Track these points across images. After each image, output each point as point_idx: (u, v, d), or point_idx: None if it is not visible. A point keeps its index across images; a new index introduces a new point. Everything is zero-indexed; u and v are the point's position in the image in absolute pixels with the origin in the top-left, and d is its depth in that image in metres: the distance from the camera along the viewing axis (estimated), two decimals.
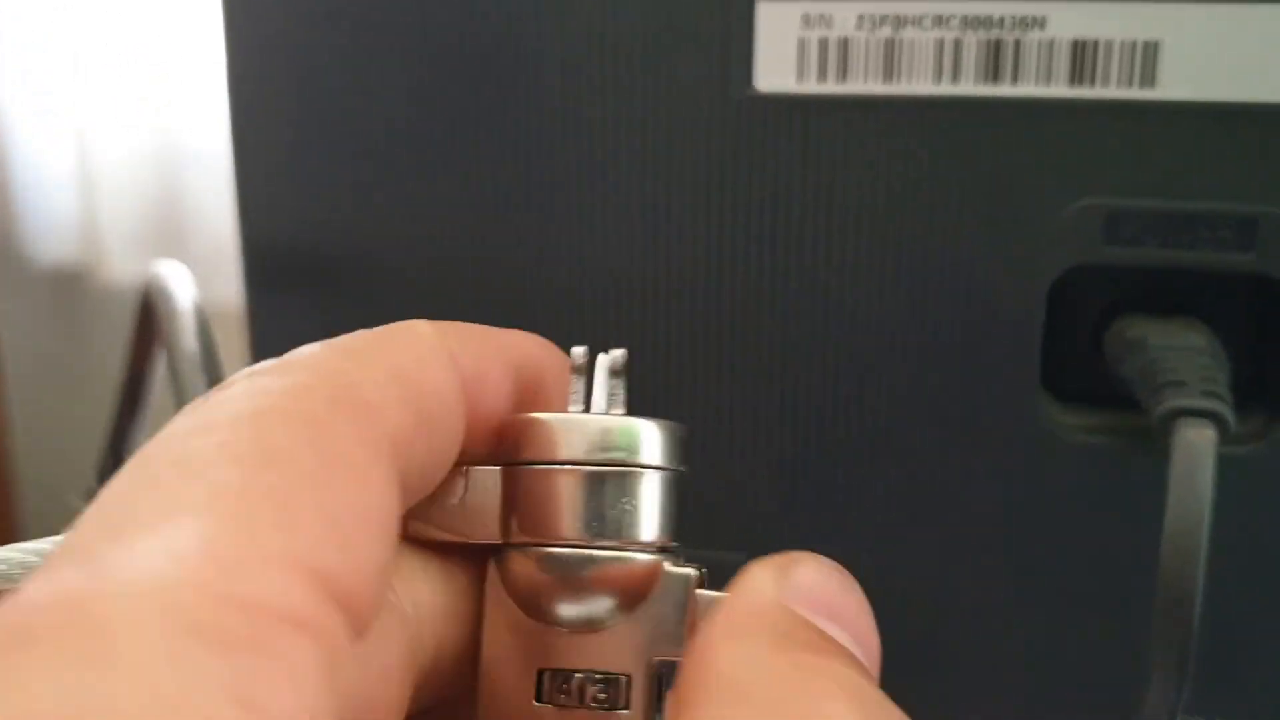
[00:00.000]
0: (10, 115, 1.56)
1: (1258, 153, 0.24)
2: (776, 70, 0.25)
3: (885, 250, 0.25)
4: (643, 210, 0.27)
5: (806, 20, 0.25)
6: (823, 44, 0.25)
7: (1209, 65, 0.23)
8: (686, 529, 0.19)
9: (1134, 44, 0.24)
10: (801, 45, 0.25)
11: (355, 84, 0.28)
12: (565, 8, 0.26)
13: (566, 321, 0.28)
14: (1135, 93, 0.24)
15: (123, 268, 1.51)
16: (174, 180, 1.49)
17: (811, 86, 0.25)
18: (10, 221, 1.60)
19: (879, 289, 0.26)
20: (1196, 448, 0.21)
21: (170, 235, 1.50)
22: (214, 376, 0.31)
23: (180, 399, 0.30)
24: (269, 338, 0.30)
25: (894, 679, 0.27)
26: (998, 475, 0.26)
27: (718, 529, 0.28)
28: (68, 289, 1.68)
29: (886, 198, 0.25)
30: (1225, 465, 0.24)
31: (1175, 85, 0.24)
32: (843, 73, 0.25)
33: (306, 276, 0.29)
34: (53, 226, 1.57)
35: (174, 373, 0.30)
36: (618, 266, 0.27)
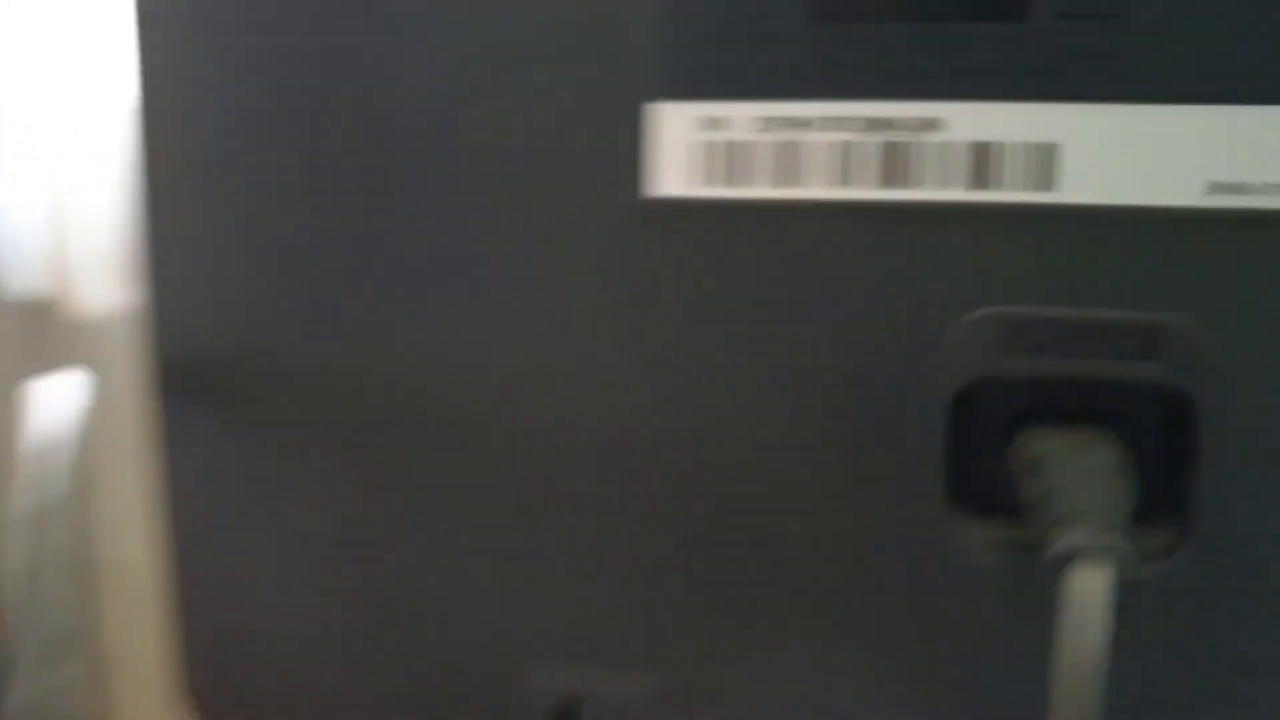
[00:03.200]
0: None
1: (1161, 258, 0.23)
2: (675, 174, 0.25)
3: (784, 357, 0.25)
4: (540, 319, 0.26)
5: (703, 123, 0.24)
6: (721, 147, 0.24)
7: (1109, 168, 0.23)
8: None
9: (1032, 146, 0.23)
10: (699, 149, 0.24)
11: (261, 192, 0.27)
12: (462, 115, 0.25)
13: (463, 425, 0.27)
14: (1035, 196, 0.23)
15: (92, 299, 1.49)
16: None
17: (709, 190, 0.25)
18: None
19: (777, 395, 0.25)
20: (1089, 595, 0.21)
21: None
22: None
23: None
24: (180, 449, 0.30)
25: None
26: (905, 591, 0.25)
27: (626, 652, 0.27)
28: (35, 320, 1.66)
29: (785, 303, 0.25)
30: (1131, 584, 0.23)
31: (1075, 189, 0.23)
32: (742, 176, 0.24)
33: (218, 385, 0.29)
34: (22, 256, 1.56)
35: None
36: (513, 373, 0.26)
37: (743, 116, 0.24)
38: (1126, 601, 0.23)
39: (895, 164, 0.24)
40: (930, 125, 0.23)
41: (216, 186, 0.28)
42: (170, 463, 0.30)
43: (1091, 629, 0.20)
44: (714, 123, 0.24)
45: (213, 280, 0.28)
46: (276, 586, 0.29)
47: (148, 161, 0.28)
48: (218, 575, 0.29)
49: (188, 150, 0.28)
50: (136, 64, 0.29)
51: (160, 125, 0.28)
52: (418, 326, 0.27)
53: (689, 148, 0.24)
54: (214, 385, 0.29)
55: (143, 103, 0.28)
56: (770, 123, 0.24)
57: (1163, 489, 0.25)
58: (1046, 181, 0.23)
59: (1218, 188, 0.23)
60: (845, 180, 0.24)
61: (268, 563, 0.29)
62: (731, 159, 0.24)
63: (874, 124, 0.24)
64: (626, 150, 0.25)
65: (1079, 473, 0.23)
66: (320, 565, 0.29)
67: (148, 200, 0.29)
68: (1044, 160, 0.23)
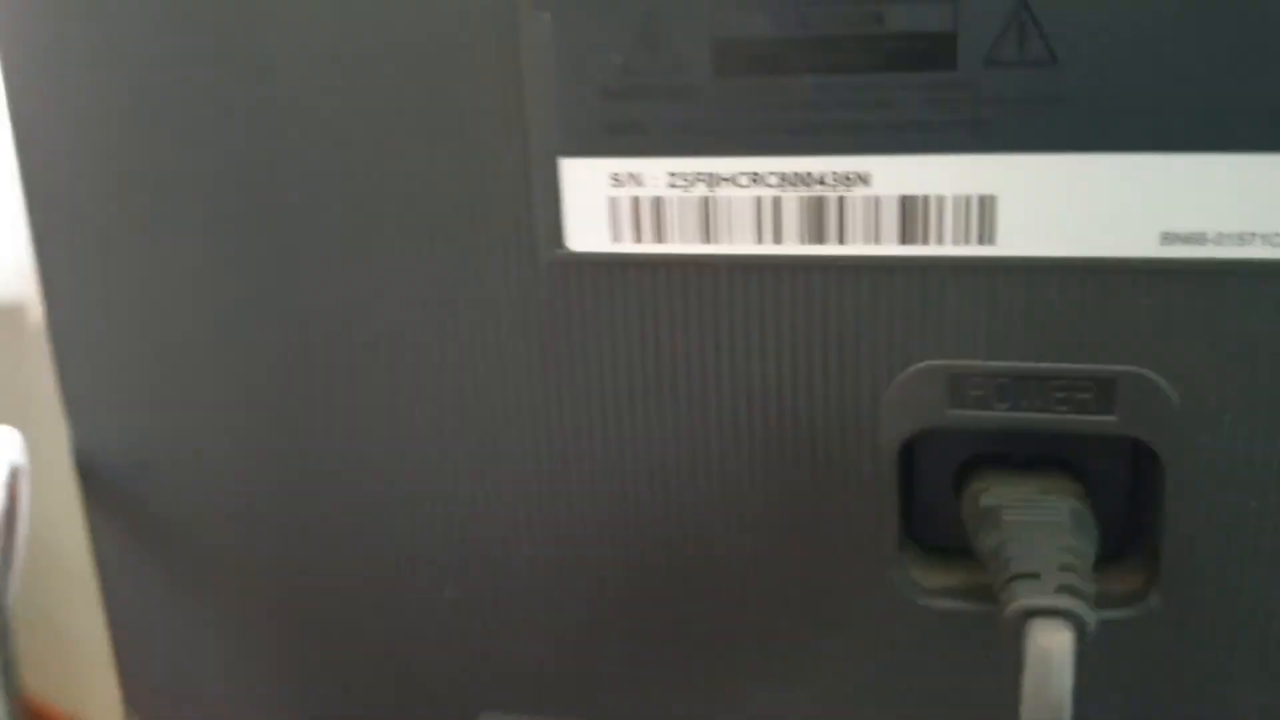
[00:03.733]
0: None
1: (1110, 309, 0.21)
2: (588, 230, 0.23)
3: (718, 412, 0.24)
4: (456, 376, 0.25)
5: (615, 179, 0.23)
6: (635, 203, 0.23)
7: (1051, 219, 0.21)
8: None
9: (967, 199, 0.21)
10: (612, 204, 0.23)
11: (152, 259, 0.26)
12: (365, 172, 0.24)
13: (379, 491, 0.26)
14: (973, 250, 0.21)
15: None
16: None
17: (627, 246, 0.23)
18: None
19: (716, 452, 0.24)
20: (1050, 656, 0.20)
21: None
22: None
23: None
24: (106, 545, 0.29)
25: None
26: (858, 641, 0.24)
27: (573, 700, 0.26)
28: (5, 326, 1.65)
29: (715, 360, 0.23)
30: (1100, 629, 0.22)
31: (1015, 242, 0.21)
32: (658, 232, 0.23)
33: (139, 483, 0.28)
34: None
35: None
36: (431, 438, 0.25)
37: (656, 172, 0.22)
38: (1096, 644, 0.22)
39: (820, 219, 0.22)
40: (855, 179, 0.22)
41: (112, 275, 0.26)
42: (97, 551, 0.29)
43: (1053, 689, 0.19)
44: (626, 178, 0.23)
45: (116, 371, 0.27)
46: (215, 662, 0.29)
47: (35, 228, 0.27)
48: (152, 650, 0.29)
49: (72, 221, 0.26)
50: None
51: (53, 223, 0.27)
52: (334, 390, 0.26)
53: (602, 204, 0.23)
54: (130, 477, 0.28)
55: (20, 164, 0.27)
56: (685, 178, 0.22)
57: (1127, 528, 0.24)
58: (984, 234, 0.21)
59: (1172, 238, 0.21)
60: (768, 236, 0.22)
61: (201, 642, 0.29)
62: (646, 215, 0.23)
63: (795, 179, 0.22)
64: (540, 206, 0.23)
65: (1032, 529, 0.22)
66: (261, 622, 0.28)
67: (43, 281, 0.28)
68: (980, 213, 0.21)
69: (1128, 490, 0.24)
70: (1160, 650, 0.23)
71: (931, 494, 0.24)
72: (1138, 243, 0.21)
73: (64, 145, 0.26)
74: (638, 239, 0.23)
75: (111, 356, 0.28)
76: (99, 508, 0.29)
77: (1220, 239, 0.20)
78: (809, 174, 0.22)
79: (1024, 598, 0.21)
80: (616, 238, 0.23)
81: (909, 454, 0.24)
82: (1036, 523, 0.22)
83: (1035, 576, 0.21)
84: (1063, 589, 0.21)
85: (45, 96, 0.26)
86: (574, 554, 0.25)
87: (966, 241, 0.21)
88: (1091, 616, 0.20)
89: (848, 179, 0.22)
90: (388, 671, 0.28)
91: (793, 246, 0.22)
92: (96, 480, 0.29)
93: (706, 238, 0.23)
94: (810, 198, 0.22)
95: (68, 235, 0.27)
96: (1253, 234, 0.20)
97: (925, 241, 0.22)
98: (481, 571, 0.26)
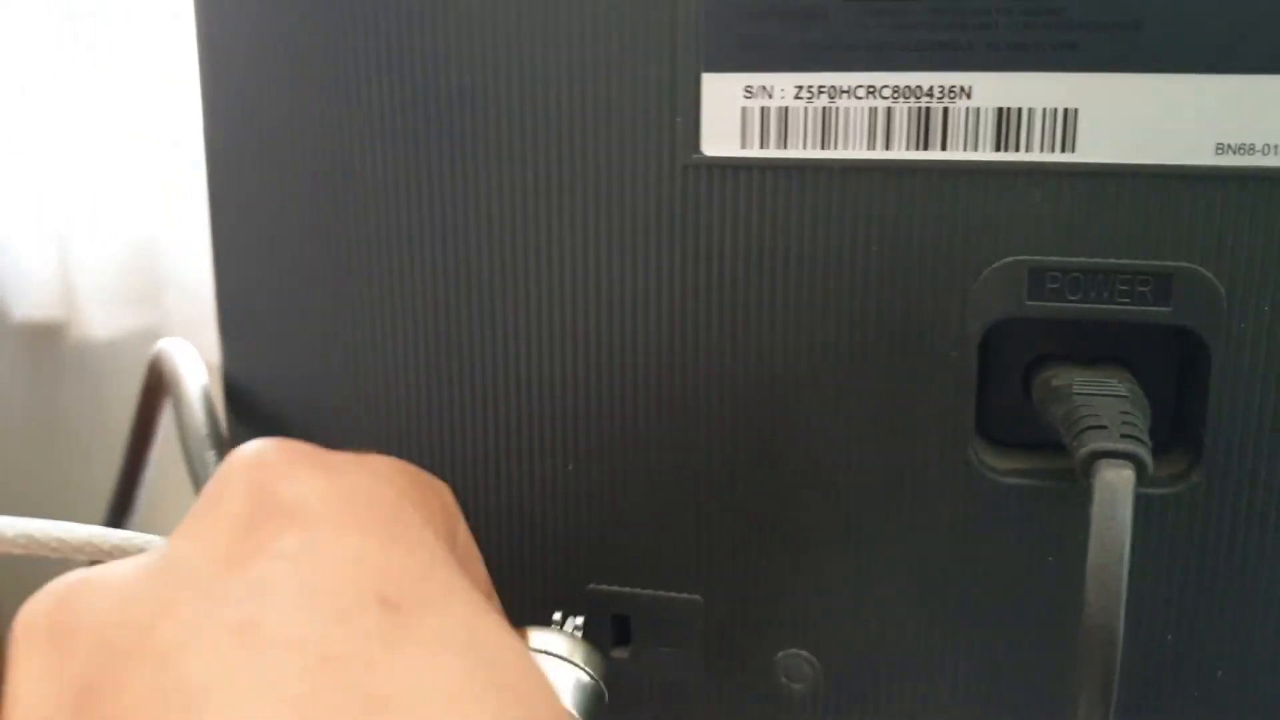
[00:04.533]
0: None
1: (1172, 211, 0.25)
2: (721, 137, 0.27)
3: (825, 303, 0.27)
4: (597, 268, 0.28)
5: (749, 91, 0.26)
6: (764, 113, 0.26)
7: (1124, 131, 0.25)
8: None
9: (1054, 112, 0.25)
10: (744, 114, 0.27)
11: (317, 177, 0.29)
12: (529, 80, 0.28)
13: (526, 374, 0.29)
14: (1056, 157, 0.25)
15: (100, 322, 1.51)
16: (150, 236, 1.49)
17: (754, 151, 0.27)
18: None
19: (818, 340, 0.27)
20: (1116, 488, 0.23)
21: (146, 291, 1.51)
22: (221, 453, 0.32)
23: (195, 478, 0.31)
24: None
25: (835, 707, 0.28)
26: (935, 518, 0.27)
27: (670, 572, 0.29)
28: (44, 343, 1.68)
29: (824, 255, 0.27)
30: (1148, 506, 0.25)
31: (1093, 150, 0.25)
32: (783, 139, 0.26)
33: (287, 400, 0.31)
34: (29, 281, 1.57)
35: (186, 450, 0.32)
36: (574, 322, 0.28)
37: (784, 85, 0.26)
38: (1146, 520, 0.26)
39: (926, 128, 0.26)
40: (959, 93, 0.26)
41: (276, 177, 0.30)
42: None
43: (1119, 522, 0.22)
44: (758, 91, 0.26)
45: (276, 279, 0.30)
46: None
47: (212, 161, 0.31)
48: None
49: (247, 161, 0.30)
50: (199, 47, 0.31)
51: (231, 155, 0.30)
52: (494, 282, 0.29)
53: (735, 114, 0.27)
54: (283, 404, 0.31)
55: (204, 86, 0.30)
56: (809, 91, 0.26)
57: (1175, 421, 0.27)
58: (1066, 143, 0.25)
59: (1224, 148, 0.25)
60: (879, 143, 0.26)
61: None
62: (774, 124, 0.26)
63: (906, 92, 0.26)
64: (680, 115, 0.27)
65: (1098, 398, 0.25)
66: None
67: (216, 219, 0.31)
68: (1064, 124, 0.25)
69: (1176, 388, 0.27)
70: (1202, 528, 0.26)
71: (1002, 393, 0.28)
72: (1195, 152, 0.25)
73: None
74: (765, 146, 0.27)
75: (268, 278, 0.31)
76: (245, 434, 0.31)
77: (1267, 149, 0.24)
78: (918, 87, 0.26)
79: (1093, 443, 0.24)
80: (746, 144, 0.27)
81: (986, 354, 0.27)
82: (1102, 394, 0.25)
83: (1103, 428, 0.24)
84: (1125, 437, 0.24)
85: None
86: (684, 437, 0.28)
87: (1051, 149, 0.25)
88: (1149, 461, 0.24)
89: (952, 92, 0.26)
90: (508, 545, 0.30)
91: (900, 152, 0.26)
92: (243, 403, 0.31)
93: (825, 144, 0.26)
94: (918, 108, 0.26)
95: (237, 154, 0.31)
96: None
97: (1016, 149, 0.26)
98: (601, 453, 0.29)
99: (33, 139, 1.51)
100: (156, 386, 0.37)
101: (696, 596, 0.29)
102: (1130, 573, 0.23)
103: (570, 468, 0.29)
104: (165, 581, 0.18)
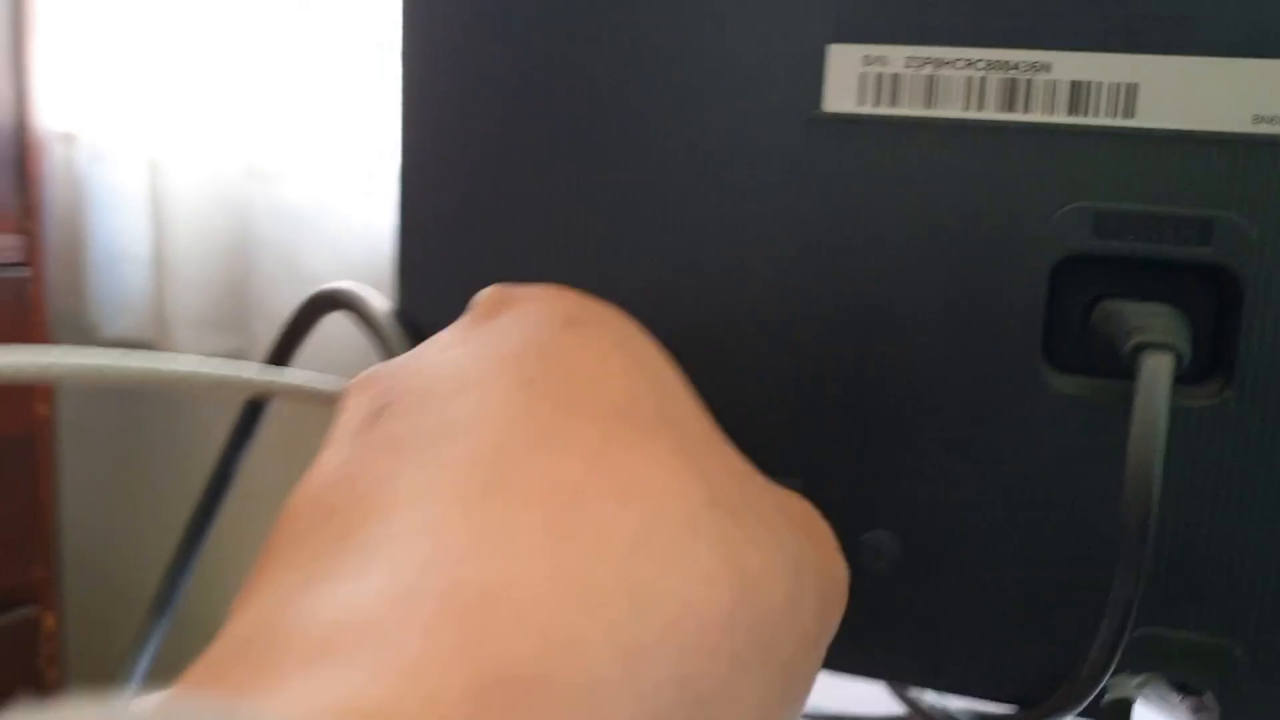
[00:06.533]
0: (93, 195, 1.66)
1: (1215, 168, 0.31)
2: (842, 96, 0.33)
3: (921, 241, 0.33)
4: (735, 205, 0.34)
5: (866, 59, 0.32)
6: (879, 77, 0.32)
7: (1177, 101, 0.31)
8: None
9: (1119, 85, 0.31)
10: (861, 78, 0.32)
11: (496, 138, 0.36)
12: (675, 52, 0.34)
13: (659, 313, 0.35)
14: (1119, 122, 0.31)
15: (187, 344, 1.59)
16: (240, 266, 1.57)
17: (868, 109, 0.33)
18: (82, 296, 1.70)
19: (914, 273, 0.33)
20: (1156, 369, 0.28)
21: (233, 318, 1.58)
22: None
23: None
24: None
25: (905, 598, 0.33)
26: (1007, 425, 0.33)
27: (775, 460, 0.34)
28: None
29: (924, 198, 0.32)
30: (1185, 416, 0.30)
31: (1151, 117, 0.31)
32: (893, 99, 0.32)
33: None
34: (123, 302, 1.66)
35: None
36: (702, 260, 0.34)
37: (897, 56, 0.32)
38: (1184, 432, 0.31)
39: (1012, 94, 0.32)
40: (1040, 67, 0.31)
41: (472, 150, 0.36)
42: None
43: (1158, 396, 0.27)
44: (874, 59, 0.32)
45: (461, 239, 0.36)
46: None
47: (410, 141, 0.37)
48: None
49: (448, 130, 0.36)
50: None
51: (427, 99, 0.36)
52: (641, 232, 0.35)
53: (854, 78, 0.32)
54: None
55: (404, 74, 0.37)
56: (917, 60, 0.32)
57: (1212, 355, 0.32)
58: (1128, 110, 0.31)
59: (1260, 119, 0.30)
60: (973, 105, 0.32)
61: None
62: (886, 87, 0.32)
63: (996, 65, 0.32)
64: (810, 79, 0.33)
65: (1146, 312, 0.30)
66: None
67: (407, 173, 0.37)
68: (1127, 95, 0.31)
69: (1215, 324, 0.32)
70: (1233, 440, 0.31)
71: (1069, 326, 0.33)
72: (1235, 121, 0.30)
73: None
74: (877, 105, 0.33)
75: (453, 225, 0.37)
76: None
77: None
78: (1006, 61, 0.32)
79: (1139, 337, 0.29)
80: (861, 103, 0.33)
81: (1055, 289, 0.32)
82: (1149, 310, 0.31)
83: (1147, 331, 0.30)
84: (1168, 335, 0.29)
85: None
86: (797, 349, 0.34)
87: (1115, 115, 0.31)
88: (1187, 352, 0.29)
89: (1034, 66, 0.31)
90: None
91: (990, 114, 0.32)
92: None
93: (928, 105, 0.32)
94: (1006, 79, 0.32)
95: (434, 105, 0.37)
96: None
97: (1086, 114, 0.31)
98: (719, 360, 0.35)
99: (136, 170, 1.60)
100: (319, 306, 0.43)
101: (796, 480, 0.34)
102: (1168, 477, 0.28)
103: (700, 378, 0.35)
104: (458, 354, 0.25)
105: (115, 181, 1.64)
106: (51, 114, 1.63)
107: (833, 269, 0.33)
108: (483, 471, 0.20)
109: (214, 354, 1.57)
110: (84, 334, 1.72)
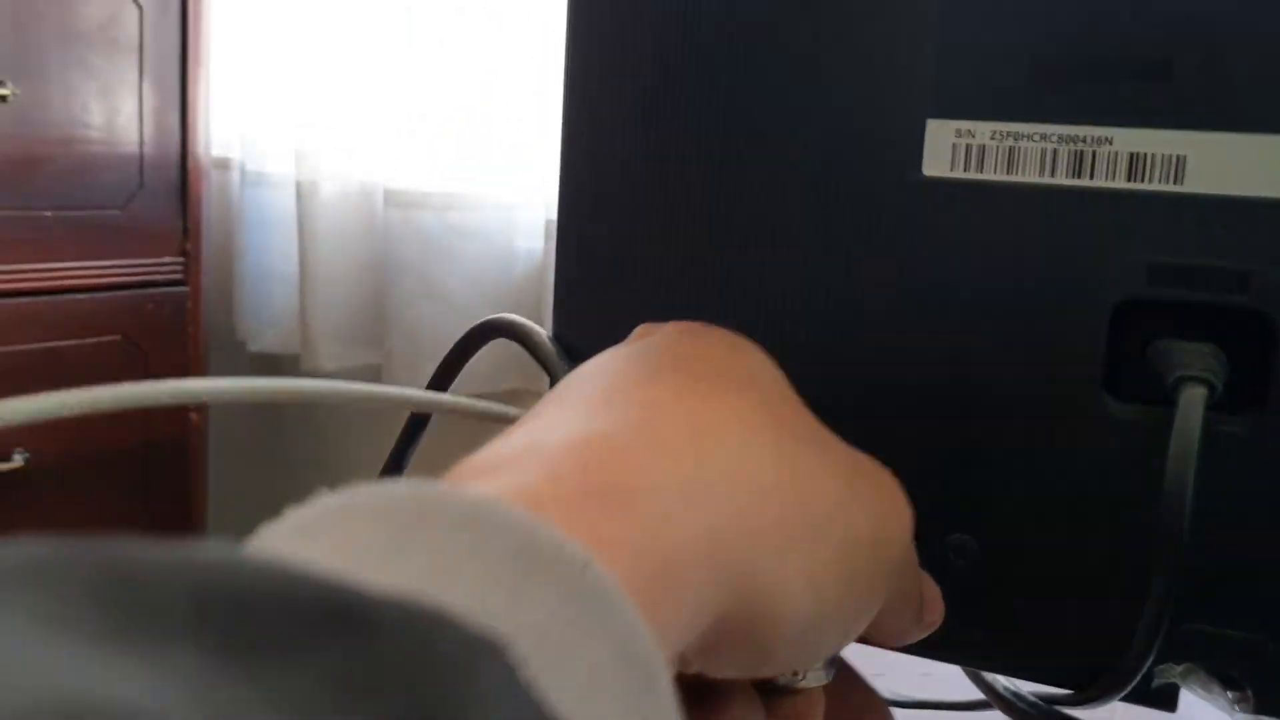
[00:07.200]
0: (248, 218, 1.78)
1: (1253, 228, 0.36)
2: (937, 163, 0.39)
3: (1002, 289, 0.39)
4: (842, 256, 0.40)
5: (958, 132, 0.39)
6: (968, 148, 0.39)
7: (1221, 171, 0.36)
8: None
9: (1170, 156, 0.37)
10: (954, 148, 0.39)
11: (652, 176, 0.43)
12: (802, 118, 0.40)
13: (782, 348, 0.41)
14: (1171, 188, 0.37)
15: (328, 357, 1.69)
16: (379, 286, 1.67)
17: (959, 174, 0.39)
18: (234, 313, 1.82)
19: (995, 315, 0.39)
20: (1191, 398, 0.34)
21: (372, 334, 1.68)
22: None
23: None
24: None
25: (982, 593, 0.39)
26: (1073, 446, 0.39)
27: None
28: (277, 373, 1.88)
29: (1004, 252, 0.39)
30: (1225, 440, 0.36)
31: (1198, 184, 0.37)
32: (980, 166, 0.39)
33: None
34: (271, 319, 1.77)
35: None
36: (817, 303, 0.41)
37: (983, 130, 0.39)
38: (1222, 456, 0.36)
39: (1080, 164, 0.38)
40: (1103, 141, 0.37)
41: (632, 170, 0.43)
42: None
43: (1193, 423, 0.33)
44: (965, 133, 0.39)
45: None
46: None
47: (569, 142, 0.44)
48: None
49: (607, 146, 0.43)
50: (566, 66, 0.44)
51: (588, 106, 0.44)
52: (761, 275, 0.41)
53: (948, 147, 0.39)
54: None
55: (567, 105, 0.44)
56: (1000, 134, 0.38)
57: (1251, 389, 0.38)
58: (1178, 178, 0.37)
59: None
60: (1047, 173, 0.38)
61: None
62: (974, 156, 0.39)
63: (1066, 138, 0.38)
64: (912, 148, 0.39)
65: (1190, 351, 0.36)
66: None
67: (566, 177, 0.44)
68: (1178, 165, 0.37)
69: (1256, 363, 0.38)
70: (1267, 465, 0.37)
71: (1128, 362, 0.39)
72: (1271, 187, 0.36)
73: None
74: (967, 170, 0.39)
75: (606, 260, 0.44)
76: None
77: None
78: (1075, 136, 0.38)
79: (1179, 371, 0.35)
80: (953, 169, 0.39)
81: (1116, 331, 0.38)
82: (1192, 352, 0.37)
83: (1187, 367, 0.35)
84: (1205, 369, 0.35)
85: None
86: (891, 375, 0.40)
87: (1167, 182, 0.37)
88: (1219, 383, 0.35)
89: (1098, 140, 0.37)
90: None
91: (1061, 180, 0.38)
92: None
93: (1009, 172, 0.38)
94: (1074, 150, 0.38)
95: (591, 155, 0.44)
96: None
97: (1142, 181, 0.37)
98: (822, 371, 0.41)
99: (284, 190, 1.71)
100: (484, 334, 0.50)
101: None
102: (1210, 492, 0.34)
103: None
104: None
105: (267, 202, 1.76)
106: (210, 140, 1.75)
107: (928, 311, 0.40)
108: (600, 394, 0.29)
109: (353, 368, 1.68)
110: (234, 347, 1.84)
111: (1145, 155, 0.37)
